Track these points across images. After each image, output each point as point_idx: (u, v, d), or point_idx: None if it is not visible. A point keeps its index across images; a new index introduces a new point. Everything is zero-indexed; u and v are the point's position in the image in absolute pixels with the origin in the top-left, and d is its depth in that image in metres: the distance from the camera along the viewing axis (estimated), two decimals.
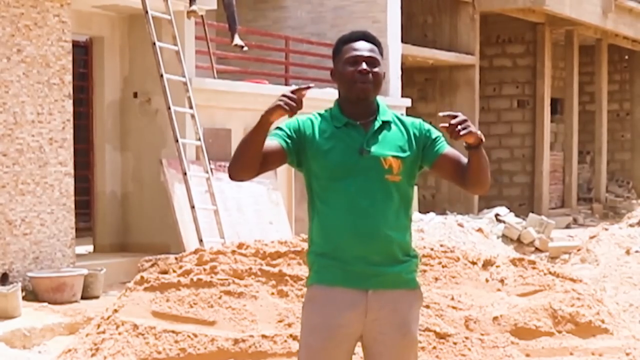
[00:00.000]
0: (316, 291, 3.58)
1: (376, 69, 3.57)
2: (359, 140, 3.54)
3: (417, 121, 3.66)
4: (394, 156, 3.54)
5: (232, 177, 3.59)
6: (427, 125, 3.66)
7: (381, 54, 3.64)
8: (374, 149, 3.54)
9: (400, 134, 3.59)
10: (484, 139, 3.52)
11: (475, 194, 3.68)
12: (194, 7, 11.86)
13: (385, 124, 3.59)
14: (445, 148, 3.62)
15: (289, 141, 3.57)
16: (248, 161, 3.52)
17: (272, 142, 3.55)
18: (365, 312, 3.53)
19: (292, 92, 3.46)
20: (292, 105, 3.43)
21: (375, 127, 3.57)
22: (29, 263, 10.22)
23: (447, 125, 3.45)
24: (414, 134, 3.60)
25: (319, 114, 3.63)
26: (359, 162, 3.52)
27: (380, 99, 3.69)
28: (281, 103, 3.43)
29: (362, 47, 3.58)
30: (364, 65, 3.54)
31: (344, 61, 3.57)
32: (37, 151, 10.38)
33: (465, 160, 3.58)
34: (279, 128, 3.61)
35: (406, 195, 3.59)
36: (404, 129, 3.61)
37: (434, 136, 3.62)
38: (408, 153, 3.57)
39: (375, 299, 3.53)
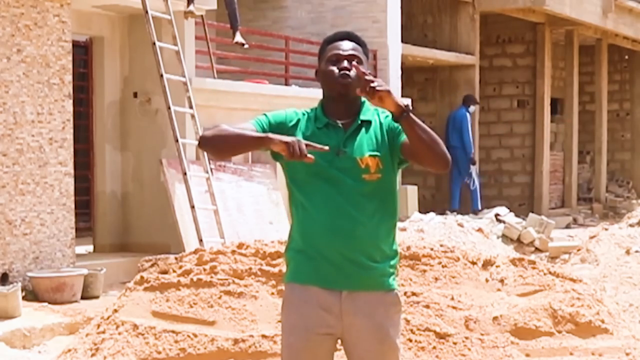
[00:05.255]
0: (292, 290, 3.59)
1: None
2: (337, 140, 3.57)
3: (389, 115, 3.65)
4: (370, 155, 3.56)
5: (205, 150, 3.60)
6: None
7: (366, 54, 3.68)
8: (350, 149, 3.57)
9: (378, 132, 3.62)
10: (409, 107, 3.47)
11: (435, 170, 3.57)
12: (191, 8, 11.84)
13: (365, 123, 3.62)
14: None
15: (266, 130, 3.58)
16: (226, 154, 3.60)
17: (250, 127, 3.57)
18: (341, 314, 3.53)
19: (305, 145, 3.41)
20: (297, 154, 3.39)
21: (354, 127, 3.60)
22: (29, 263, 10.22)
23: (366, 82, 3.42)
24: (386, 129, 3.62)
25: (306, 112, 3.67)
26: (334, 163, 3.54)
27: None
28: (290, 145, 3.39)
29: (345, 47, 3.63)
30: (345, 63, 3.58)
31: (326, 60, 3.62)
32: (37, 151, 10.38)
33: None
34: (264, 115, 3.64)
35: (389, 192, 3.61)
36: (380, 126, 3.63)
37: (398, 126, 3.60)
38: (385, 150, 3.59)
39: (349, 301, 3.53)
